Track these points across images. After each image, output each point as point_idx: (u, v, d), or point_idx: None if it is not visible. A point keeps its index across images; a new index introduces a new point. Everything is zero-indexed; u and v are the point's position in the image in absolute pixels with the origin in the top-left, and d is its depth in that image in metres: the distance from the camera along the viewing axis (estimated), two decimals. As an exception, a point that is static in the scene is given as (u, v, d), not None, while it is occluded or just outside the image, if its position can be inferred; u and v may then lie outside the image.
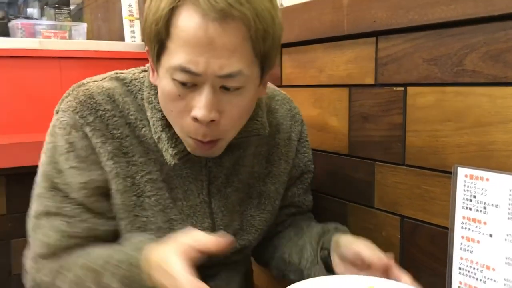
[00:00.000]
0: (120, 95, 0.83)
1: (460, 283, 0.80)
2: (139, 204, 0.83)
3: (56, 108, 0.85)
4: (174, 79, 0.72)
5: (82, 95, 0.82)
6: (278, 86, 1.30)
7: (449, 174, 0.85)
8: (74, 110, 0.81)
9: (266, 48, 0.72)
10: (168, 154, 0.81)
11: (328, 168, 1.16)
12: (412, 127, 0.94)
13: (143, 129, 0.83)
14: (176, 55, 0.70)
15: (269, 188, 0.95)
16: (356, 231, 1.09)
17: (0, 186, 1.55)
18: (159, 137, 0.81)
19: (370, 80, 1.02)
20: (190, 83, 0.71)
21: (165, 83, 0.74)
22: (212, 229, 0.88)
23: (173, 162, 0.81)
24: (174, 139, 0.80)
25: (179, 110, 0.74)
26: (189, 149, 0.80)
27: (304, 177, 1.03)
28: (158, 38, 0.71)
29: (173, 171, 0.85)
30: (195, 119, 0.72)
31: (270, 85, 1.00)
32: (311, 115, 1.19)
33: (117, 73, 0.87)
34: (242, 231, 0.93)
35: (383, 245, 1.01)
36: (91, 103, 0.81)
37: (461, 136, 0.85)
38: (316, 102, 1.18)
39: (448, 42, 0.86)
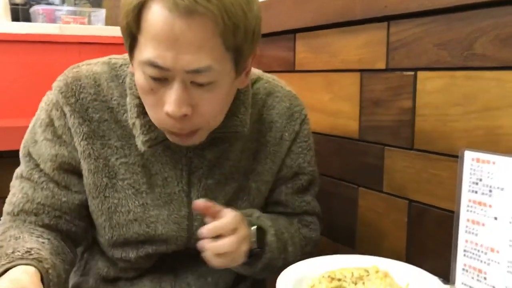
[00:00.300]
0: (106, 80, 0.86)
1: (465, 265, 0.81)
2: (110, 186, 0.86)
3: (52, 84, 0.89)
4: (144, 73, 0.73)
5: (71, 77, 0.85)
6: (291, 72, 1.32)
7: (456, 158, 0.85)
8: (60, 90, 0.85)
9: (238, 42, 0.71)
10: (140, 141, 0.82)
11: (338, 153, 1.17)
12: (421, 112, 0.94)
13: (125, 115, 0.85)
14: (146, 50, 0.70)
15: (250, 185, 0.94)
16: (365, 215, 1.11)
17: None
18: (133, 123, 0.83)
19: (381, 65, 1.03)
20: (160, 78, 0.72)
21: (138, 76, 0.75)
22: (189, 218, 0.89)
23: (143, 149, 0.83)
24: (148, 126, 0.82)
25: (153, 103, 0.75)
26: (170, 139, 0.81)
27: (297, 178, 0.98)
28: (129, 31, 0.72)
29: (154, 156, 0.86)
30: (168, 114, 0.73)
31: (273, 81, 0.98)
32: (323, 100, 1.20)
33: (110, 58, 0.90)
34: None
35: (391, 229, 1.04)
36: (76, 85, 0.85)
37: (469, 121, 0.85)
38: (328, 87, 1.19)
39: (458, 26, 0.86)
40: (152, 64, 0.70)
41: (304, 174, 0.98)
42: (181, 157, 0.87)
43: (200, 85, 0.72)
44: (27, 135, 0.90)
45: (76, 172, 0.87)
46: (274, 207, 1.00)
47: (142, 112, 0.81)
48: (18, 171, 0.89)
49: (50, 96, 0.87)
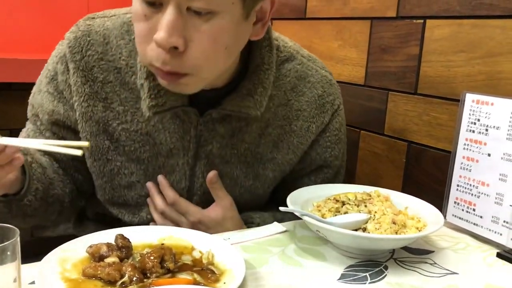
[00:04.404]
0: (115, 38, 0.80)
1: (457, 198, 0.88)
2: (113, 149, 0.83)
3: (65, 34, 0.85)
4: None
5: (81, 31, 0.81)
6: (302, 19, 1.36)
7: (457, 102, 0.91)
8: (69, 43, 0.81)
9: None
10: (145, 105, 0.77)
11: (343, 98, 1.22)
12: (427, 58, 1.00)
13: (133, 76, 0.80)
14: None
15: (268, 174, 0.89)
16: (365, 156, 1.18)
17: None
18: (141, 85, 0.77)
19: (392, 13, 1.07)
20: (155, 1, 0.65)
21: (134, 3, 0.69)
22: (189, 191, 0.86)
23: (147, 115, 0.77)
24: (156, 90, 0.76)
25: (144, 33, 0.68)
26: (160, 82, 0.74)
27: (322, 171, 0.93)
28: None
29: (161, 123, 0.81)
30: (157, 43, 0.66)
31: (307, 62, 0.89)
32: (332, 47, 1.25)
33: (126, 13, 0.83)
34: None
35: (389, 168, 1.11)
36: (85, 41, 0.80)
37: (472, 66, 0.91)
38: (337, 34, 1.24)
39: (469, -25, 0.91)
40: None
41: (330, 167, 0.93)
42: (190, 128, 0.81)
43: (197, 13, 0.64)
44: (37, 81, 0.87)
45: (71, 129, 0.84)
46: None
47: (151, 73, 0.75)
48: (28, 112, 0.88)
49: (60, 48, 0.83)
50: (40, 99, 0.84)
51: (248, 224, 0.88)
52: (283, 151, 0.88)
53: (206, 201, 0.86)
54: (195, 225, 0.83)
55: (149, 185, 0.85)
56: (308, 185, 0.94)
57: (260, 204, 0.94)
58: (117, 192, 0.86)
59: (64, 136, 0.85)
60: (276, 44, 0.85)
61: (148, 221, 0.88)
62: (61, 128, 0.84)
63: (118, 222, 0.92)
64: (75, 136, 0.84)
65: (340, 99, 0.93)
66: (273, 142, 0.87)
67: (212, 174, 0.83)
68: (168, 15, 0.64)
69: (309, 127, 0.88)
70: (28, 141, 0.67)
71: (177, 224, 0.84)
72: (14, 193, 0.75)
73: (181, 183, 0.85)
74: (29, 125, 0.88)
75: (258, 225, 0.87)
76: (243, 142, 0.85)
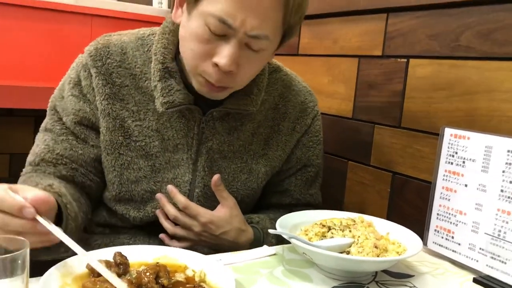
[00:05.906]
0: (132, 49, 0.94)
1: (437, 226, 0.93)
2: (125, 145, 0.93)
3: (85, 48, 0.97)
4: (207, 25, 0.78)
5: (101, 43, 0.94)
6: (295, 55, 1.43)
7: (437, 136, 0.97)
8: (90, 53, 0.93)
9: (293, 21, 0.81)
10: (159, 102, 0.89)
11: (333, 130, 1.29)
12: (410, 94, 1.07)
13: (146, 82, 0.92)
14: (218, 3, 0.76)
15: (260, 168, 1.00)
16: (353, 186, 1.23)
17: (30, 125, 1.74)
18: (155, 86, 0.90)
19: (378, 52, 1.15)
20: (221, 34, 0.78)
21: (196, 25, 0.80)
22: (191, 184, 0.95)
23: (161, 110, 0.89)
24: (167, 90, 0.89)
25: (202, 52, 0.81)
26: (195, 86, 0.87)
27: (306, 170, 1.06)
28: None
29: (169, 122, 0.92)
30: (216, 65, 0.80)
31: (291, 74, 1.05)
32: (322, 82, 1.32)
33: (139, 30, 0.98)
34: None
35: (375, 198, 1.16)
36: (105, 51, 0.93)
37: (451, 103, 0.98)
38: (328, 70, 1.31)
39: (448, 21, 0.99)
40: (221, 21, 0.76)
41: (313, 166, 1.07)
42: (194, 125, 0.93)
43: (251, 49, 0.80)
44: (56, 92, 0.97)
45: (94, 128, 0.94)
46: (281, 197, 1.07)
47: (163, 76, 0.90)
48: (43, 124, 0.96)
49: (81, 58, 0.95)
50: (64, 103, 0.94)
51: (248, 223, 0.97)
52: (273, 148, 1.01)
53: (205, 194, 0.96)
54: (206, 226, 0.90)
55: (159, 195, 0.93)
56: (295, 184, 1.07)
57: (254, 200, 1.05)
58: (125, 187, 0.94)
59: (86, 136, 0.94)
60: None
61: (153, 215, 0.95)
62: (85, 128, 0.93)
63: (117, 232, 1.00)
64: (96, 135, 0.94)
65: (318, 107, 1.06)
66: (264, 140, 1.00)
67: (216, 177, 0.92)
68: (231, 47, 0.79)
69: (294, 127, 1.02)
70: (80, 250, 0.69)
71: (188, 228, 0.91)
72: None
73: (185, 176, 0.95)
74: (46, 135, 0.94)
75: (258, 223, 0.99)
76: (238, 139, 0.96)
